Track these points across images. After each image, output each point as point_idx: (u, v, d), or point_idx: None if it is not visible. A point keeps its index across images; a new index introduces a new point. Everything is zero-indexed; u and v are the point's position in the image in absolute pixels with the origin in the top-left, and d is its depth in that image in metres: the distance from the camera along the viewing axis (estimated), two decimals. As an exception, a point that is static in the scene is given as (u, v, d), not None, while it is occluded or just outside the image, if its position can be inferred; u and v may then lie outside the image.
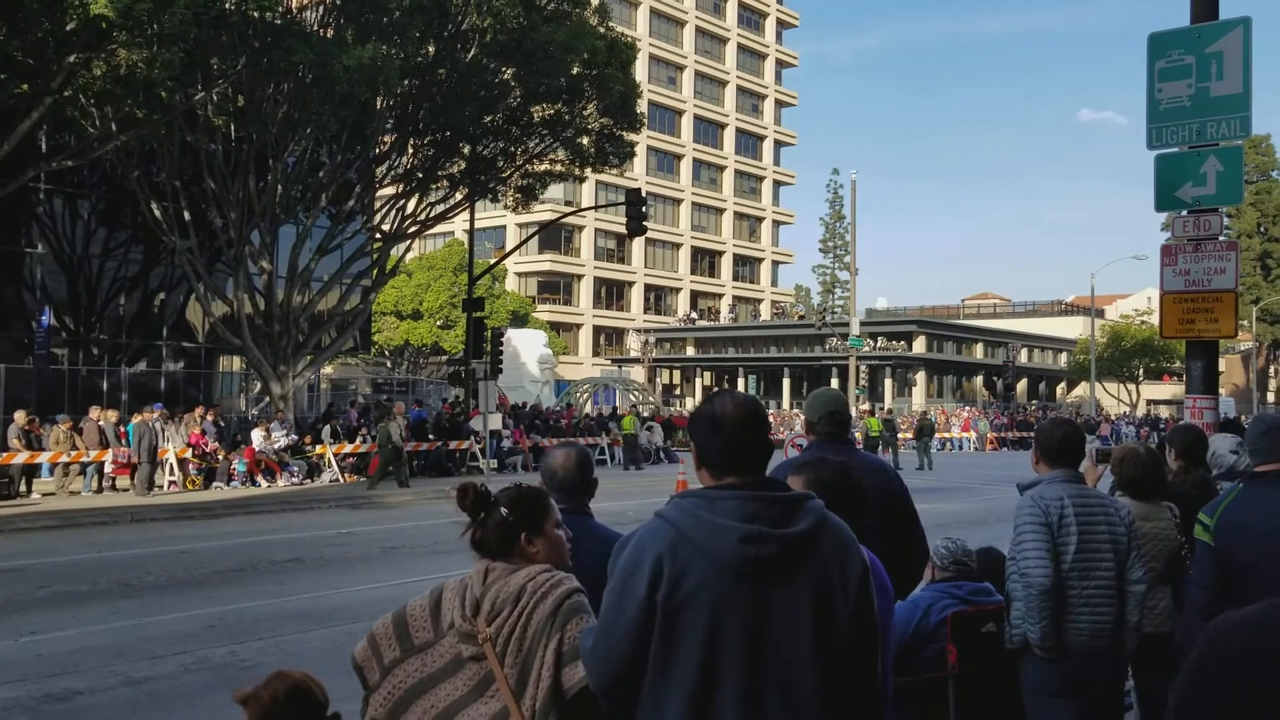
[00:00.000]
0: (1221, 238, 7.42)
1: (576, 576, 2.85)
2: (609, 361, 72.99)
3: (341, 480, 24.36)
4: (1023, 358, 72.19)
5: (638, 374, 62.15)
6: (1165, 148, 7.39)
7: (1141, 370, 68.49)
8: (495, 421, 27.14)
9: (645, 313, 78.70)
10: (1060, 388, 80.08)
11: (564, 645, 2.67)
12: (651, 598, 2.39)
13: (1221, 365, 74.08)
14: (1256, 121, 7.21)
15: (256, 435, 23.54)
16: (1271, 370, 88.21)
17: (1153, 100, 7.36)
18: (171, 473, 21.81)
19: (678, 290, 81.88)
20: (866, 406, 45.99)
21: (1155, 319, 7.83)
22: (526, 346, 47.86)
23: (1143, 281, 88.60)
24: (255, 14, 19.58)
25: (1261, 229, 78.18)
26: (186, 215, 24.55)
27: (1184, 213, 7.42)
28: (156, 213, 24.29)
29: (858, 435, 35.19)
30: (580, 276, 75.21)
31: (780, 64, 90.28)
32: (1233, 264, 7.24)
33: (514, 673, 2.70)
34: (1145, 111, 7.42)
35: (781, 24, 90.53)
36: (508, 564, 2.84)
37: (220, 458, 22.78)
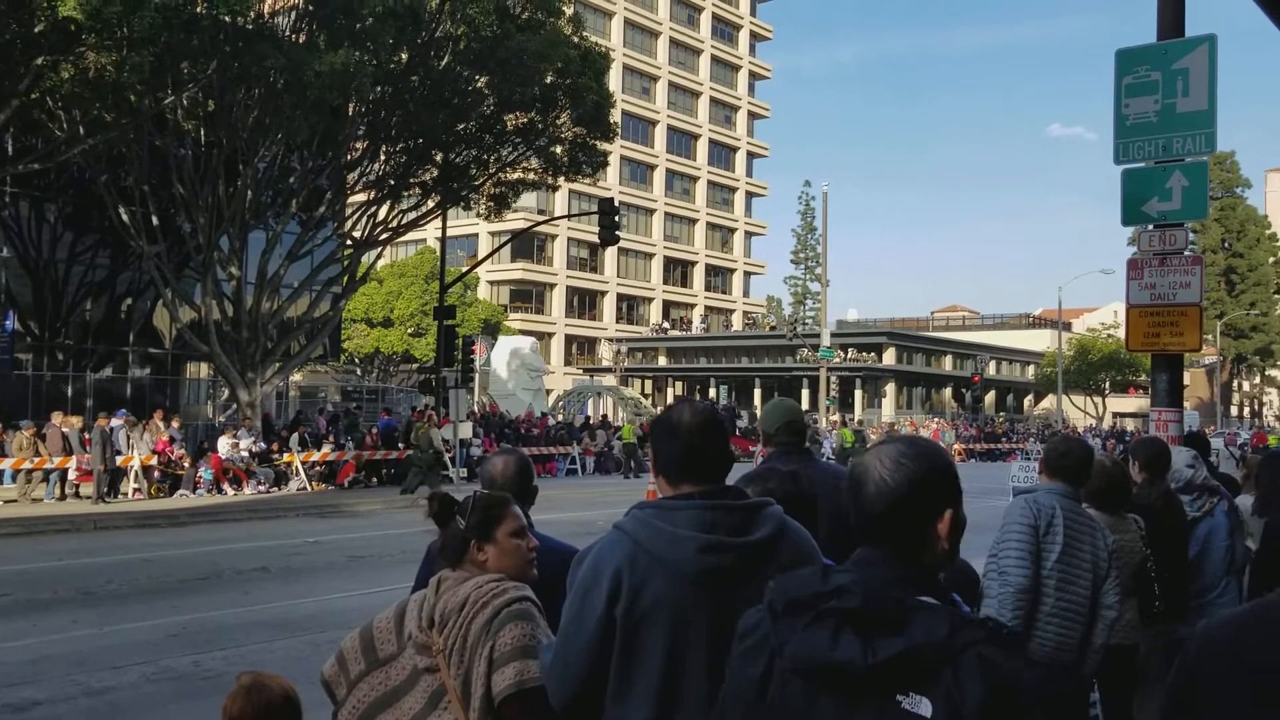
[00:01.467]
0: (1186, 252, 7.49)
1: None
2: (581, 371, 72.90)
3: (309, 489, 24.16)
4: (991, 370, 72.75)
5: (609, 383, 62.10)
6: (1132, 163, 7.46)
7: (1108, 383, 69.18)
8: (465, 430, 27.02)
9: (617, 322, 78.68)
10: (1028, 400, 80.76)
11: (495, 651, 2.65)
12: (611, 612, 2.37)
13: (1186, 379, 74.90)
14: (1220, 139, 7.30)
15: (223, 443, 23.31)
16: (1235, 384, 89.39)
17: (1120, 115, 7.43)
18: (136, 480, 21.55)
19: (650, 300, 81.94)
20: (836, 418, 46.14)
21: (1121, 332, 7.91)
22: (517, 355, 47.56)
23: (1110, 295, 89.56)
24: (226, 18, 19.44)
25: (1226, 244, 79.29)
26: (155, 220, 24.30)
27: (1150, 227, 7.48)
28: (124, 217, 24.04)
29: (832, 446, 35.36)
30: (553, 285, 75.11)
31: (753, 76, 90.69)
32: (1197, 278, 7.31)
33: (458, 683, 2.68)
34: (1113, 126, 7.49)
35: (755, 36, 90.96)
36: (461, 573, 2.82)
37: (186, 465, 22.54)
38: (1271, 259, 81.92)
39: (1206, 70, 7.14)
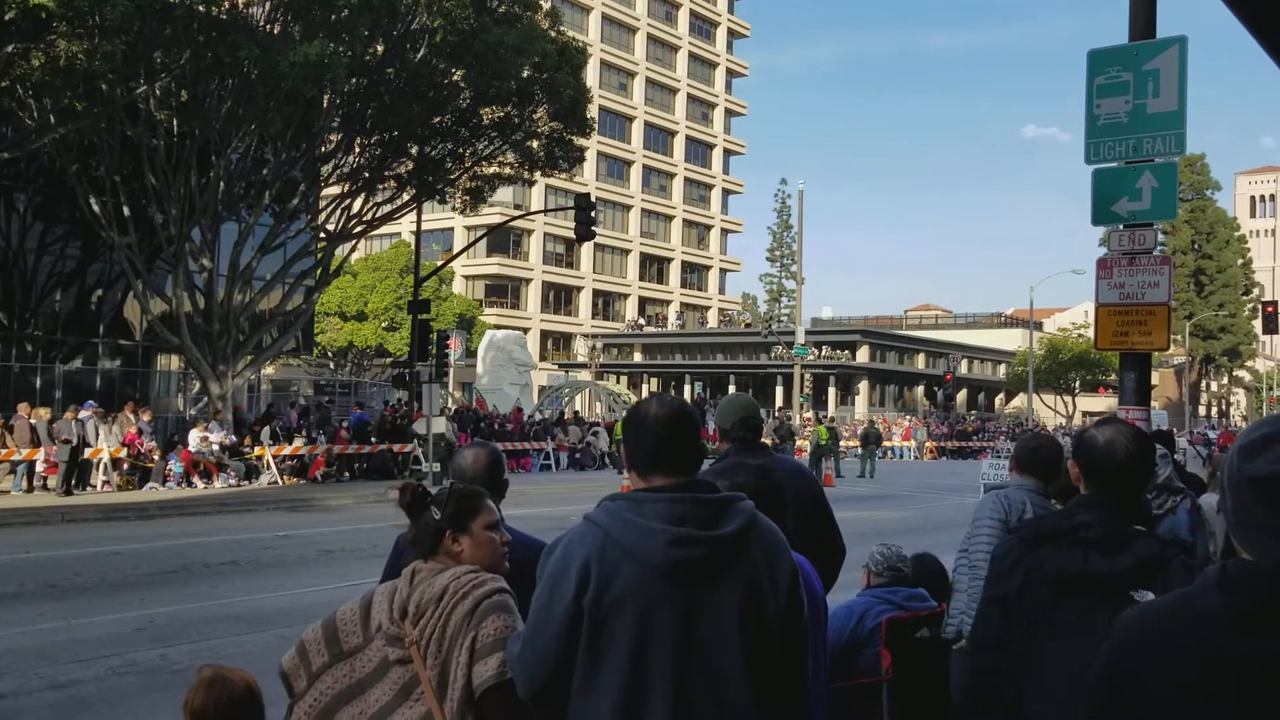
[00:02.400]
0: (1156, 252, 7.54)
1: None
2: (556, 366, 72.82)
3: (280, 482, 24.01)
4: (963, 368, 73.19)
5: (594, 379, 62.10)
6: (1103, 163, 7.49)
7: (1078, 382, 69.79)
8: (439, 425, 26.92)
9: (593, 318, 78.64)
10: (999, 398, 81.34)
11: (477, 642, 2.63)
12: (579, 602, 2.37)
13: (1155, 378, 75.80)
14: (1192, 141, 7.35)
15: (194, 436, 23.13)
16: (1204, 384, 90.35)
17: (1091, 116, 7.46)
18: (105, 473, 21.35)
19: (626, 296, 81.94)
20: (810, 415, 46.29)
21: (1091, 332, 7.93)
22: (504, 350, 47.29)
23: (1080, 296, 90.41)
24: (200, 7, 19.30)
25: (1195, 246, 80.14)
26: (126, 211, 24.07)
27: (1120, 227, 7.53)
28: (95, 208, 23.80)
29: (802, 444, 35.45)
30: (528, 280, 74.98)
31: (731, 73, 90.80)
32: (1166, 278, 7.36)
33: (435, 674, 2.66)
34: (1084, 127, 7.54)
35: (732, 33, 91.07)
36: (435, 564, 2.80)
37: (155, 458, 22.35)
38: (1240, 261, 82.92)
39: (1177, 72, 7.19)
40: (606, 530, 2.42)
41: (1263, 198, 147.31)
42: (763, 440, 4.49)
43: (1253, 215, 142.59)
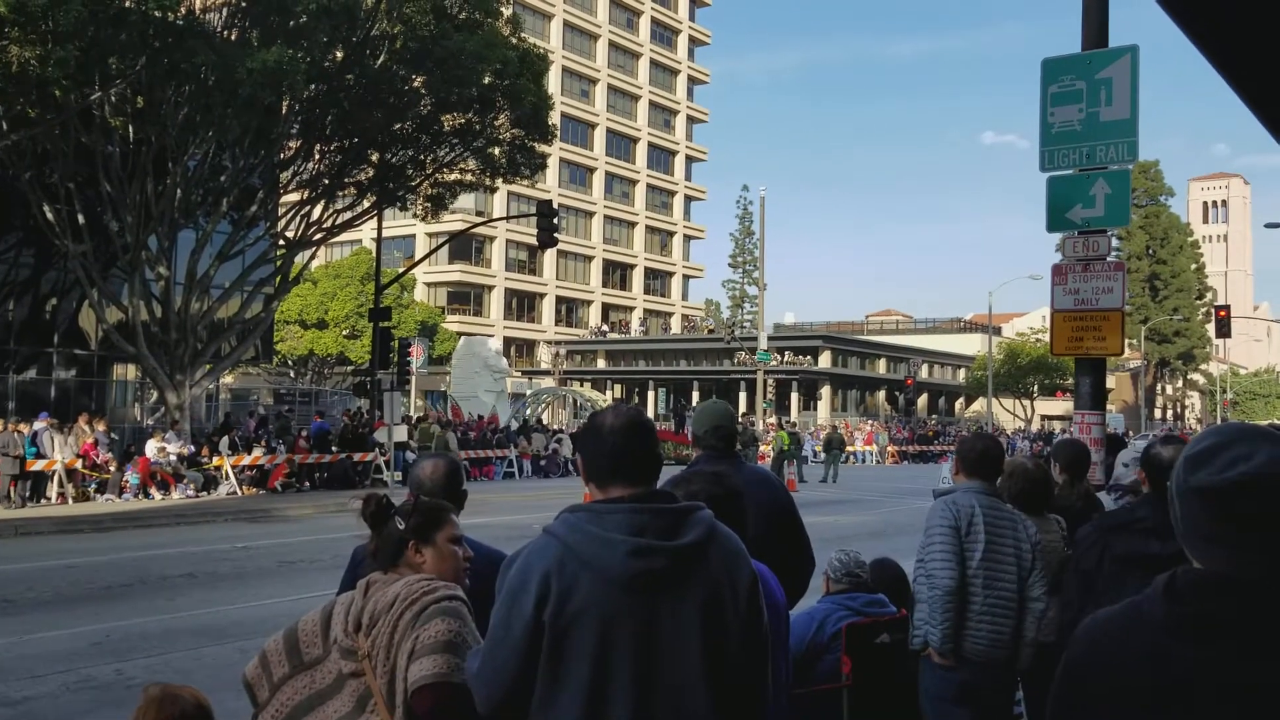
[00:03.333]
0: (1110, 258, 7.65)
1: None
2: (520, 373, 72.61)
3: (239, 493, 23.75)
4: (923, 373, 73.82)
5: (549, 385, 61.92)
6: (1057, 170, 7.60)
7: (1036, 386, 70.50)
8: (400, 433, 26.75)
9: (556, 324, 78.52)
10: (959, 403, 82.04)
11: (417, 643, 2.60)
12: (539, 616, 2.35)
13: (1112, 382, 76.77)
14: (1147, 147, 7.47)
15: (151, 446, 22.82)
16: (1159, 388, 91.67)
17: (1046, 124, 7.57)
18: (60, 485, 21.01)
19: (589, 303, 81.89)
20: (774, 420, 46.48)
21: (1048, 337, 8.02)
22: (479, 356, 46.91)
23: (1039, 300, 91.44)
24: (156, 13, 19.06)
25: (1150, 251, 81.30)
26: (81, 218, 23.73)
27: (1074, 233, 7.64)
28: (49, 215, 23.43)
29: (765, 449, 35.56)
30: (491, 287, 74.74)
31: (692, 80, 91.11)
32: (1120, 284, 7.47)
33: (384, 683, 2.64)
34: (1039, 134, 7.63)
35: (694, 41, 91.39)
36: (392, 575, 2.79)
37: (112, 469, 22.03)
38: (1194, 266, 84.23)
39: (1129, 80, 7.31)
40: (565, 542, 2.40)
41: (1215, 203, 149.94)
42: (735, 449, 4.49)
43: (1205, 221, 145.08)
